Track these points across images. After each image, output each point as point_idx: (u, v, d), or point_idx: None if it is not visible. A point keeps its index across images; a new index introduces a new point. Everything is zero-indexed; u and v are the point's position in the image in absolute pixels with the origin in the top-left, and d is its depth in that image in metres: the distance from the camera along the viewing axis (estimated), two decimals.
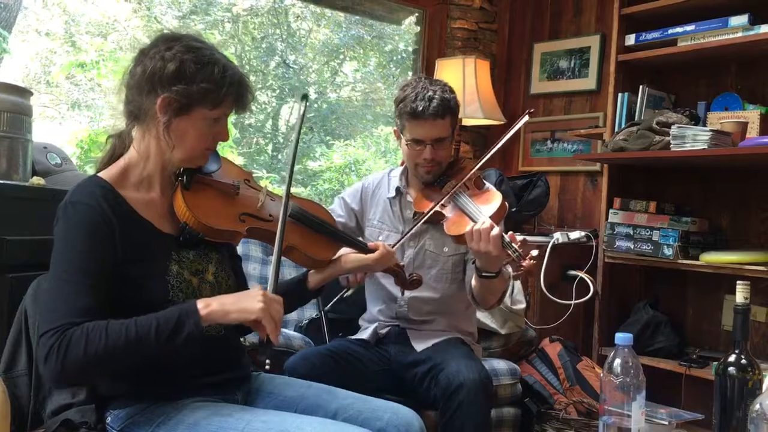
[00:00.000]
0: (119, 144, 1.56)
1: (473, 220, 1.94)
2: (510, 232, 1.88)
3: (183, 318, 1.34)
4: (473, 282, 2.08)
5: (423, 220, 2.07)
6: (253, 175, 1.75)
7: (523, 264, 1.78)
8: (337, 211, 2.31)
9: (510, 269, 1.88)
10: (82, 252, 1.36)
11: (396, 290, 2.19)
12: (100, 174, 1.49)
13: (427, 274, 2.20)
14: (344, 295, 2.06)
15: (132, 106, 1.49)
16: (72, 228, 1.38)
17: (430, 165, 2.15)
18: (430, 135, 2.11)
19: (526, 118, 2.10)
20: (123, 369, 1.37)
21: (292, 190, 1.62)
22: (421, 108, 2.07)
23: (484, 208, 1.98)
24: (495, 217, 1.93)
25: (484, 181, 2.23)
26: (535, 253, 1.80)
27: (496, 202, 2.00)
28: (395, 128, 2.23)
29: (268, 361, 1.43)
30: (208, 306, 1.37)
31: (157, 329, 1.32)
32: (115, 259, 1.39)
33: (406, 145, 2.16)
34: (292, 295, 1.78)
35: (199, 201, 1.54)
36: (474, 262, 2.01)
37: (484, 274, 1.97)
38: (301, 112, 1.63)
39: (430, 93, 2.09)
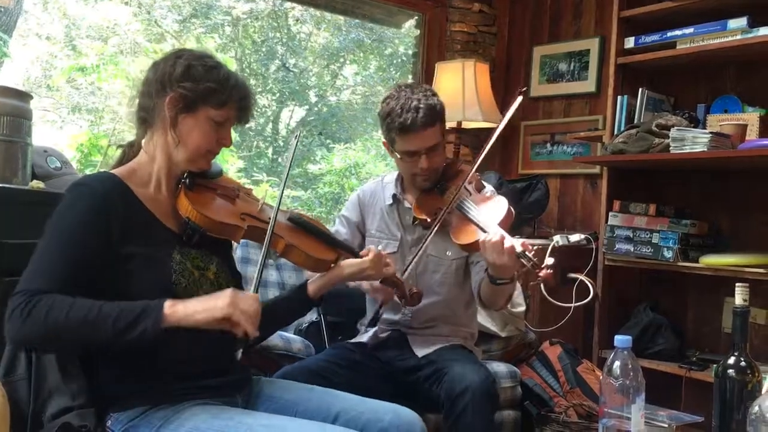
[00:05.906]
0: (130, 151, 1.62)
1: (481, 229, 1.90)
2: (523, 241, 1.81)
3: (145, 313, 1.35)
4: (483, 287, 2.06)
5: (433, 232, 2.01)
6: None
7: (540, 274, 1.75)
8: (341, 231, 2.26)
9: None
10: (75, 227, 1.40)
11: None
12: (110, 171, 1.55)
13: (431, 279, 2.18)
14: (379, 315, 2.07)
15: (143, 112, 1.56)
16: (73, 204, 1.43)
17: (428, 173, 2.11)
18: (423, 145, 2.06)
19: (520, 98, 2.05)
20: (80, 346, 1.41)
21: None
22: (409, 121, 2.01)
23: (491, 216, 1.93)
24: (503, 225, 1.89)
25: (484, 184, 2.22)
26: (550, 261, 1.75)
27: (503, 209, 1.95)
28: (384, 141, 2.17)
29: (240, 352, 1.42)
30: (173, 305, 1.37)
31: (116, 317, 1.33)
32: (110, 240, 1.42)
33: (400, 158, 2.11)
34: (291, 300, 1.79)
35: (202, 199, 1.59)
36: (487, 270, 1.97)
37: (498, 281, 1.93)
38: (295, 144, 1.73)
39: (415, 102, 2.02)
